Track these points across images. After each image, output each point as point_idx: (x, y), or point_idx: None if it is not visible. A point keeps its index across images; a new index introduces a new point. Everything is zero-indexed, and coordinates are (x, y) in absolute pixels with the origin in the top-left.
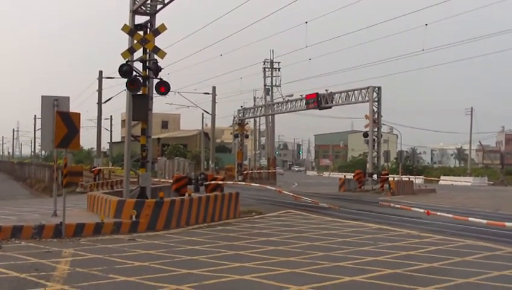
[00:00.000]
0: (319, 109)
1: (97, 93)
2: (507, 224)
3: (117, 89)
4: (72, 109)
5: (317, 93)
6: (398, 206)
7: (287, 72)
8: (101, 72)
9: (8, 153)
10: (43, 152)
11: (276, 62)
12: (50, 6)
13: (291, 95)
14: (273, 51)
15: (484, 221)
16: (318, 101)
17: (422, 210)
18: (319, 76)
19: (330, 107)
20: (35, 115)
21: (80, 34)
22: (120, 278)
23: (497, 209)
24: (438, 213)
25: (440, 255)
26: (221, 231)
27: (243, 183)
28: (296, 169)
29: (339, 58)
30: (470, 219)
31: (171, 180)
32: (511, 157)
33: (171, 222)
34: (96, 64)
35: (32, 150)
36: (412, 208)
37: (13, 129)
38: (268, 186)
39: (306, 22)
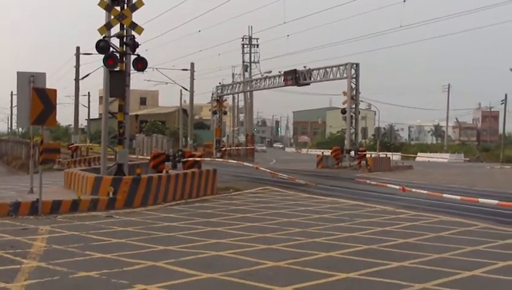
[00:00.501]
0: (298, 86)
1: (74, 69)
2: (480, 200)
3: (94, 66)
4: (50, 85)
5: (295, 69)
6: (374, 182)
7: (265, 49)
8: (78, 48)
9: None
10: (20, 129)
11: (254, 38)
12: None
13: (270, 72)
14: (251, 27)
15: (458, 197)
16: (296, 78)
17: (397, 187)
18: (297, 53)
19: (308, 84)
20: (11, 92)
21: (57, 9)
22: (97, 255)
23: (472, 186)
24: (413, 190)
25: (415, 230)
26: (198, 207)
27: (221, 160)
28: (279, 146)
29: (318, 35)
30: (445, 195)
31: (149, 157)
32: (487, 134)
33: (148, 199)
34: (74, 41)
35: (9, 126)
36: (388, 185)
37: None
38: (245, 163)
39: None
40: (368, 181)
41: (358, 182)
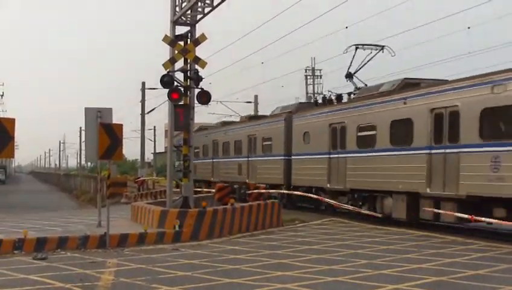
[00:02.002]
0: None
1: (140, 104)
2: None
3: (160, 100)
4: (116, 120)
5: None
6: (443, 211)
7: (329, 79)
8: (143, 83)
9: (55, 165)
10: (88, 164)
11: (317, 69)
12: (92, 22)
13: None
14: (314, 59)
15: None
16: None
17: (466, 215)
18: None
19: None
20: (80, 127)
21: (122, 48)
22: (163, 288)
23: None
24: (483, 219)
25: (486, 262)
26: (263, 239)
27: (286, 191)
28: None
29: (382, 64)
30: None
31: (214, 190)
32: None
33: (214, 231)
34: (140, 77)
35: (78, 161)
36: (455, 214)
37: (59, 141)
38: (311, 195)
39: (346, 27)
40: (434, 210)
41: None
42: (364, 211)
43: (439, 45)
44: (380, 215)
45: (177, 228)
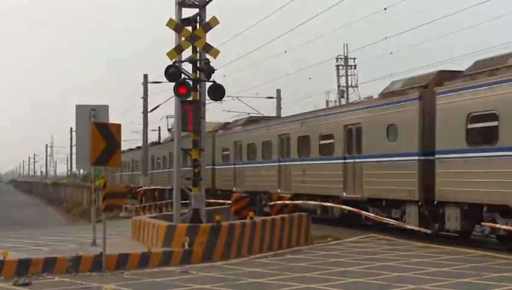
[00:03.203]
0: None
1: (142, 101)
2: None
3: (165, 96)
4: (113, 119)
5: None
6: (505, 227)
7: (364, 70)
8: (145, 76)
9: (41, 172)
10: (81, 171)
11: (351, 58)
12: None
13: (371, 97)
14: (347, 46)
15: None
16: None
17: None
18: (403, 73)
19: None
20: (71, 128)
21: (119, 34)
22: None
23: None
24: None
25: None
26: (290, 260)
27: (316, 203)
28: None
29: (426, 51)
30: None
31: (230, 201)
32: None
33: (230, 251)
34: (141, 69)
35: (68, 168)
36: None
37: (46, 145)
38: (345, 207)
39: (385, 9)
40: (497, 225)
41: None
42: (410, 226)
43: None
44: (429, 231)
45: (186, 247)
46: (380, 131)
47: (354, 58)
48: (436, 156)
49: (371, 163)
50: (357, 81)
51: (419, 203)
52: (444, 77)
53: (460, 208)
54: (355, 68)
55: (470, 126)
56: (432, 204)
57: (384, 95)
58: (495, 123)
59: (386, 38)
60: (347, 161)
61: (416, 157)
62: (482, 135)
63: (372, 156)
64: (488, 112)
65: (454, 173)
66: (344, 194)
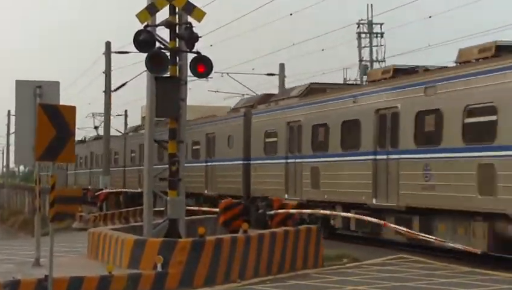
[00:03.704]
0: None
1: (103, 76)
2: None
3: (133, 71)
4: (65, 100)
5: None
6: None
7: (394, 40)
8: (108, 44)
9: None
10: (21, 167)
11: (376, 24)
12: None
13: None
14: (371, 7)
15: None
16: None
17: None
18: (444, 44)
19: None
20: (8, 111)
21: None
22: None
23: None
24: None
25: None
26: (294, 287)
27: (328, 212)
28: None
29: (472, 15)
30: None
31: (217, 209)
32: None
33: (216, 274)
34: (101, 35)
35: (4, 164)
36: None
37: None
38: (366, 217)
39: None
40: None
41: None
42: (454, 244)
43: None
44: (479, 251)
45: (159, 268)
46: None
47: (381, 24)
48: (252, 161)
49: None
50: (385, 54)
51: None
52: (266, 98)
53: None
54: (382, 37)
55: (266, 140)
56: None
57: (232, 109)
58: (276, 139)
59: None
60: None
61: (241, 162)
62: (271, 147)
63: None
64: (273, 131)
65: (259, 175)
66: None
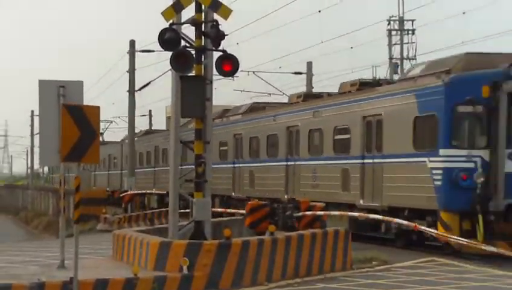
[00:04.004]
0: None
1: (127, 76)
2: None
3: (158, 70)
4: (89, 101)
5: None
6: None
7: (425, 37)
8: (132, 43)
9: None
10: (45, 169)
11: (408, 20)
12: None
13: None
14: (403, 3)
15: None
16: None
17: None
18: (481, 40)
19: None
20: (32, 111)
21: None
22: None
23: None
24: None
25: None
26: None
27: (357, 214)
28: None
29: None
30: None
31: (243, 211)
32: None
33: (242, 277)
34: (125, 34)
35: (29, 165)
36: None
37: None
38: (397, 219)
39: None
40: None
41: None
42: (487, 247)
43: None
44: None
45: (185, 271)
46: None
47: (412, 21)
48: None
49: None
50: (416, 51)
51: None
52: (223, 113)
53: None
54: (413, 34)
55: (220, 148)
56: None
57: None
58: (226, 148)
59: None
60: None
61: None
62: (224, 154)
63: None
64: (225, 141)
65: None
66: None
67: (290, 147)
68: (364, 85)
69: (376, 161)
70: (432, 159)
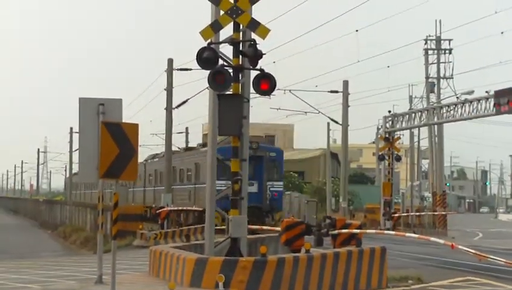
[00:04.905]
0: None
1: (165, 93)
2: None
3: (195, 88)
4: (127, 118)
5: None
6: None
7: (463, 57)
8: (170, 62)
9: (31, 186)
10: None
11: (445, 40)
12: None
13: (471, 92)
14: (440, 22)
15: None
16: None
17: None
18: None
19: None
20: (71, 128)
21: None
22: None
23: None
24: None
25: None
26: None
27: (393, 233)
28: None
29: None
30: None
31: (279, 228)
32: None
33: None
34: (163, 53)
35: (67, 181)
36: None
37: (38, 150)
38: (433, 239)
39: None
40: None
41: None
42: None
43: None
44: None
45: (221, 287)
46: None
47: (450, 40)
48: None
49: None
50: (453, 70)
51: None
52: (155, 155)
53: None
54: (450, 53)
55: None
56: None
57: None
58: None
59: (496, 12)
60: None
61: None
62: (150, 180)
63: None
64: (151, 173)
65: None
66: None
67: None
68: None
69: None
70: None
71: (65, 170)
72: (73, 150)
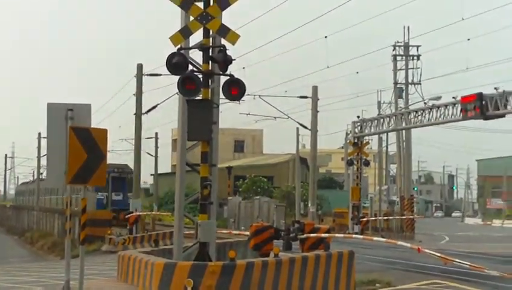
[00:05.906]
0: (484, 119)
1: (134, 98)
2: None
3: (165, 94)
4: (96, 124)
5: (480, 93)
6: None
7: (430, 63)
8: (140, 67)
9: None
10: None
11: (413, 46)
12: None
13: (439, 98)
14: (408, 29)
15: None
16: (482, 107)
17: None
18: (482, 67)
19: (503, 116)
20: (39, 133)
21: (106, 14)
22: None
23: None
24: None
25: None
26: None
27: (361, 237)
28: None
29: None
30: None
31: (248, 233)
32: None
33: None
34: (132, 58)
35: (26, 188)
36: None
37: (5, 155)
38: (400, 242)
39: None
40: None
41: None
42: (490, 270)
43: None
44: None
45: None
46: None
47: (418, 46)
48: None
49: None
50: (421, 76)
51: None
52: None
53: None
54: (418, 59)
55: None
56: None
57: None
58: None
59: (462, 19)
60: None
61: None
62: None
63: None
64: None
65: None
66: None
67: None
68: None
69: None
70: None
71: (33, 176)
72: (42, 155)
